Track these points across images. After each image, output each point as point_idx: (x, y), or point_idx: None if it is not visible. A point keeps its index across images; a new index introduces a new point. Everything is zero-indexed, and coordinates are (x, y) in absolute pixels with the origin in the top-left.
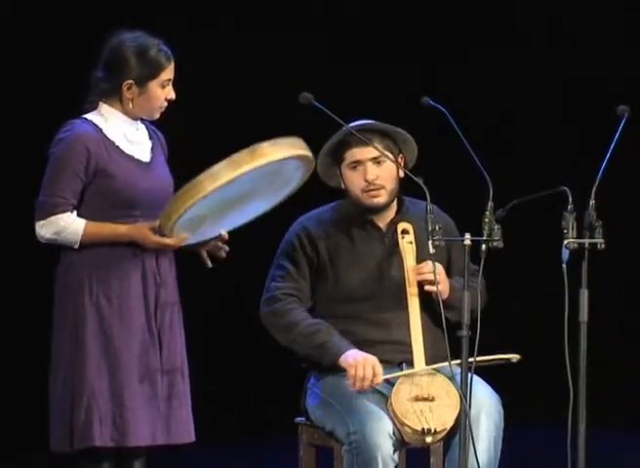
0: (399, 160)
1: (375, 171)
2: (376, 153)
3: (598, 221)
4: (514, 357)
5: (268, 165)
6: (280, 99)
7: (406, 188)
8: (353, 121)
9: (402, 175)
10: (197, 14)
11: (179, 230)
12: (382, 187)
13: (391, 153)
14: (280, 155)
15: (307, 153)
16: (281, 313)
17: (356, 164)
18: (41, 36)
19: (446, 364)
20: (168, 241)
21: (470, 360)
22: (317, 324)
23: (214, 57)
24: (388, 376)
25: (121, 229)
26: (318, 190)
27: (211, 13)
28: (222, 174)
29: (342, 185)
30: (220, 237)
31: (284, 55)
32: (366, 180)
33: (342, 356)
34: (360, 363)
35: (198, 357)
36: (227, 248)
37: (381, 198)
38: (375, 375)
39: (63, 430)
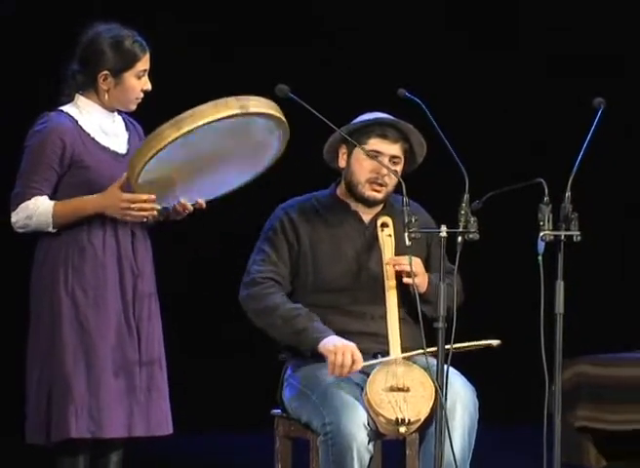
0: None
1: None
2: (396, 152)
3: (574, 213)
4: (494, 342)
5: (233, 118)
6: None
7: None
8: (370, 112)
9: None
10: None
11: (147, 189)
12: (386, 186)
13: (404, 157)
14: (245, 110)
15: (276, 113)
16: (260, 297)
17: (376, 154)
18: (15, 29)
19: (423, 351)
20: (137, 195)
21: (448, 347)
22: (297, 309)
23: (195, 49)
24: (367, 363)
25: (88, 197)
26: (300, 180)
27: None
28: (186, 122)
29: (341, 164)
30: (196, 204)
31: (268, 49)
32: (377, 173)
33: (322, 342)
34: (340, 349)
35: (174, 347)
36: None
37: (380, 194)
38: (354, 363)
39: (39, 422)
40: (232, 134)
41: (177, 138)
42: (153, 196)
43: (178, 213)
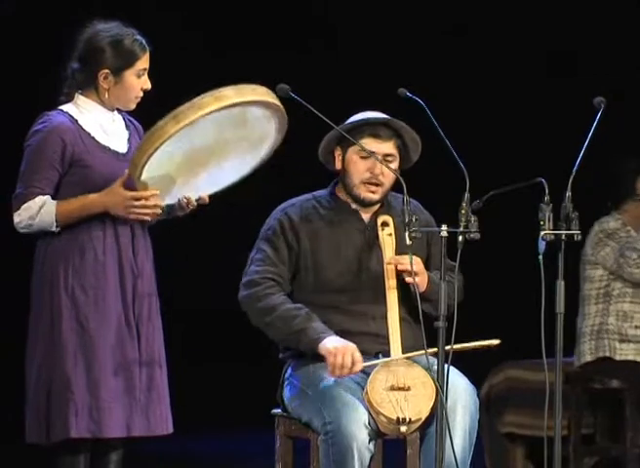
0: (400, 160)
1: (383, 167)
2: (390, 150)
3: (574, 213)
4: (492, 342)
5: (230, 107)
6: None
7: None
8: (362, 111)
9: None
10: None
11: (150, 186)
12: (382, 185)
13: (399, 154)
14: (243, 98)
15: (273, 100)
16: (259, 297)
17: (369, 155)
18: (15, 29)
19: (424, 352)
20: (141, 193)
21: (448, 348)
22: (296, 309)
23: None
24: (367, 364)
25: (93, 196)
26: (304, 178)
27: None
28: (185, 114)
29: (337, 166)
30: (200, 199)
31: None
32: (372, 173)
33: (322, 343)
34: (340, 350)
35: (175, 348)
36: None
37: (377, 195)
38: (354, 363)
39: (39, 422)
40: (231, 125)
41: (176, 132)
42: (157, 191)
43: (182, 208)
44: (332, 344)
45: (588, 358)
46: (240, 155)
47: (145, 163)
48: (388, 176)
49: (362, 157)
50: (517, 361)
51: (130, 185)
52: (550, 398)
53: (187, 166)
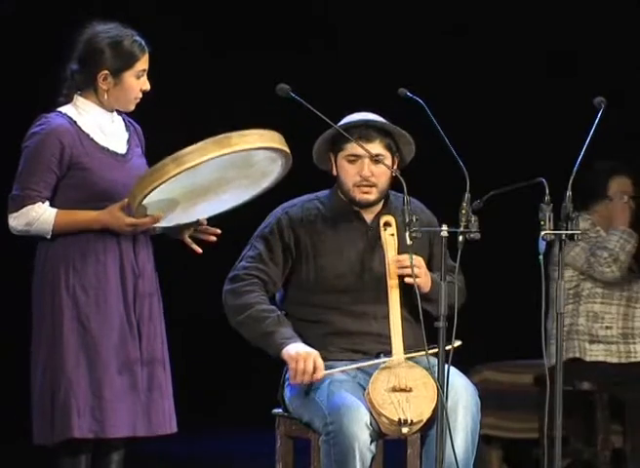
0: (394, 158)
1: (371, 168)
2: (378, 150)
3: (575, 213)
4: (455, 344)
5: (234, 153)
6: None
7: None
8: (353, 113)
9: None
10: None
11: (149, 211)
12: (375, 185)
13: (390, 152)
14: (247, 145)
15: (279, 146)
16: (238, 293)
17: (355, 158)
18: (15, 29)
19: (416, 354)
20: (141, 220)
21: (422, 353)
22: (269, 311)
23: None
24: (329, 372)
25: (92, 214)
26: (305, 178)
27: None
28: (187, 159)
29: (334, 172)
30: (198, 223)
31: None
32: (361, 176)
33: (286, 348)
34: (302, 356)
35: (177, 347)
36: (219, 231)
37: (372, 195)
38: (315, 370)
39: (44, 423)
40: (234, 165)
41: (177, 174)
42: (158, 217)
43: (206, 233)
44: (294, 350)
45: None
46: (241, 189)
47: (144, 198)
48: (381, 176)
49: (350, 161)
50: (493, 363)
51: (128, 210)
52: (525, 400)
53: (186, 198)
